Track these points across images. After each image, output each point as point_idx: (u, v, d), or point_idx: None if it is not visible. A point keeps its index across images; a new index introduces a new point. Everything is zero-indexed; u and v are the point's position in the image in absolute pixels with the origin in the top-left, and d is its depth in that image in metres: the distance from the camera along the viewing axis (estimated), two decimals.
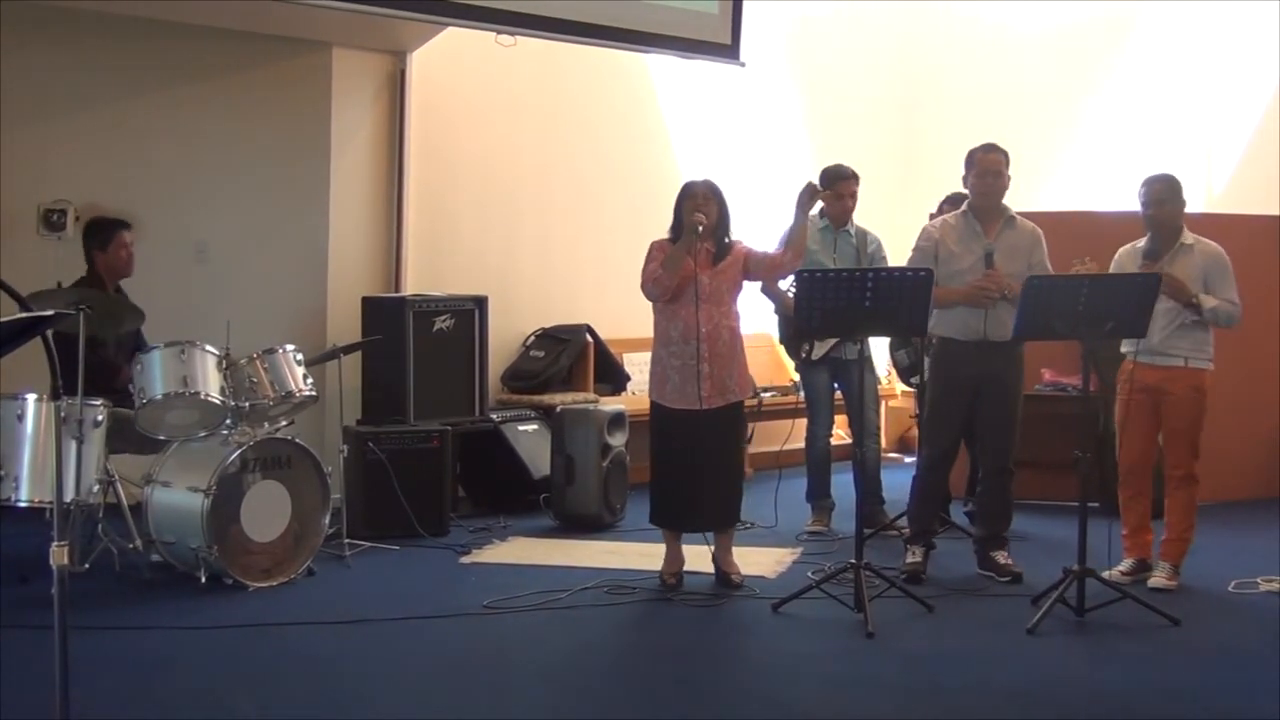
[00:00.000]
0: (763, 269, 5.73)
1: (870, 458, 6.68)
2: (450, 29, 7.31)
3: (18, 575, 5.46)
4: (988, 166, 5.84)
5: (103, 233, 6.27)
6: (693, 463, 5.61)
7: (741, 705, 4.32)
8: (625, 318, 8.31)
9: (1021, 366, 5.95)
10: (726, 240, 5.70)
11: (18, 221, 6.83)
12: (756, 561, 6.10)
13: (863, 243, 6.91)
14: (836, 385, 7.02)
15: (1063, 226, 7.47)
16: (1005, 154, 5.88)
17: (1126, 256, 5.82)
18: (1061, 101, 10.00)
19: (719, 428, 5.63)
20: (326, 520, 5.87)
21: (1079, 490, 5.30)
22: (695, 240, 5.52)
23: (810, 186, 5.71)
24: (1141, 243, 5.80)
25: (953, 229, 5.91)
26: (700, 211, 5.57)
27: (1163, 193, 5.74)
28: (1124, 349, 5.87)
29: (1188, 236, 5.78)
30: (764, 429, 8.53)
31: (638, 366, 8.66)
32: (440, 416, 7.13)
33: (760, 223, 7.64)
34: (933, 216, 6.50)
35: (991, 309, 5.72)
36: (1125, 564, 5.87)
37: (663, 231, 5.76)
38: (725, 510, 5.73)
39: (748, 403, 7.94)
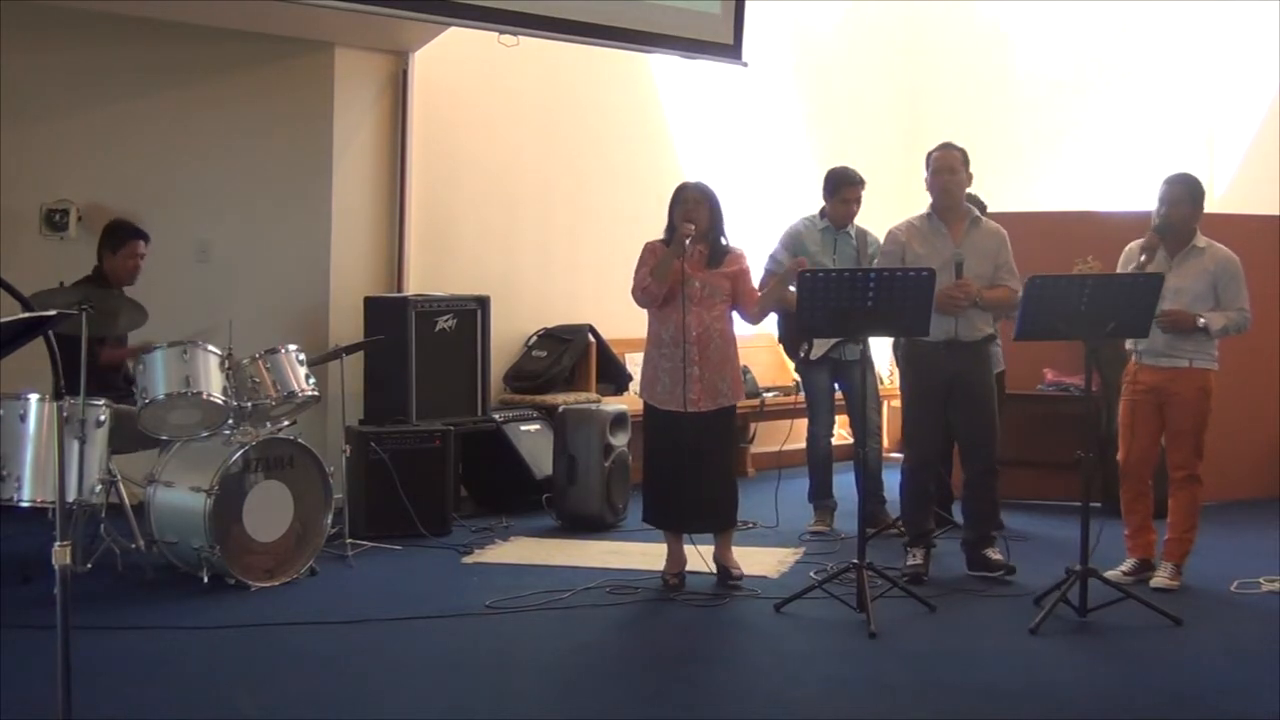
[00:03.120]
0: (738, 298, 5.70)
1: (872, 458, 6.68)
2: (452, 29, 7.31)
3: (20, 575, 5.47)
4: (943, 164, 5.86)
5: (118, 237, 6.26)
6: (683, 464, 5.60)
7: (744, 705, 4.31)
8: (627, 318, 8.25)
9: (990, 365, 5.99)
10: (723, 242, 5.70)
11: (20, 221, 6.83)
12: (759, 561, 6.10)
13: (863, 244, 6.91)
14: (837, 385, 7.02)
15: (1065, 226, 7.50)
16: (962, 151, 5.89)
17: (1135, 253, 5.78)
18: (1065, 102, 10.00)
19: (710, 431, 5.61)
20: (329, 520, 5.87)
21: (1081, 490, 5.30)
22: (683, 249, 5.52)
23: (799, 264, 5.73)
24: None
25: (918, 231, 5.91)
26: (691, 216, 5.56)
27: (1180, 194, 5.72)
28: (1130, 347, 5.88)
29: (1200, 240, 5.76)
30: (765, 429, 8.55)
31: (640, 367, 8.65)
32: (442, 416, 7.14)
33: (762, 223, 7.66)
34: None
35: (962, 313, 5.74)
36: (1127, 564, 5.87)
37: (663, 232, 5.76)
38: (718, 513, 5.72)
39: (749, 404, 7.96)
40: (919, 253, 5.81)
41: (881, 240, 6.97)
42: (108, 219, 6.50)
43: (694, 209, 5.59)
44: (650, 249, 5.68)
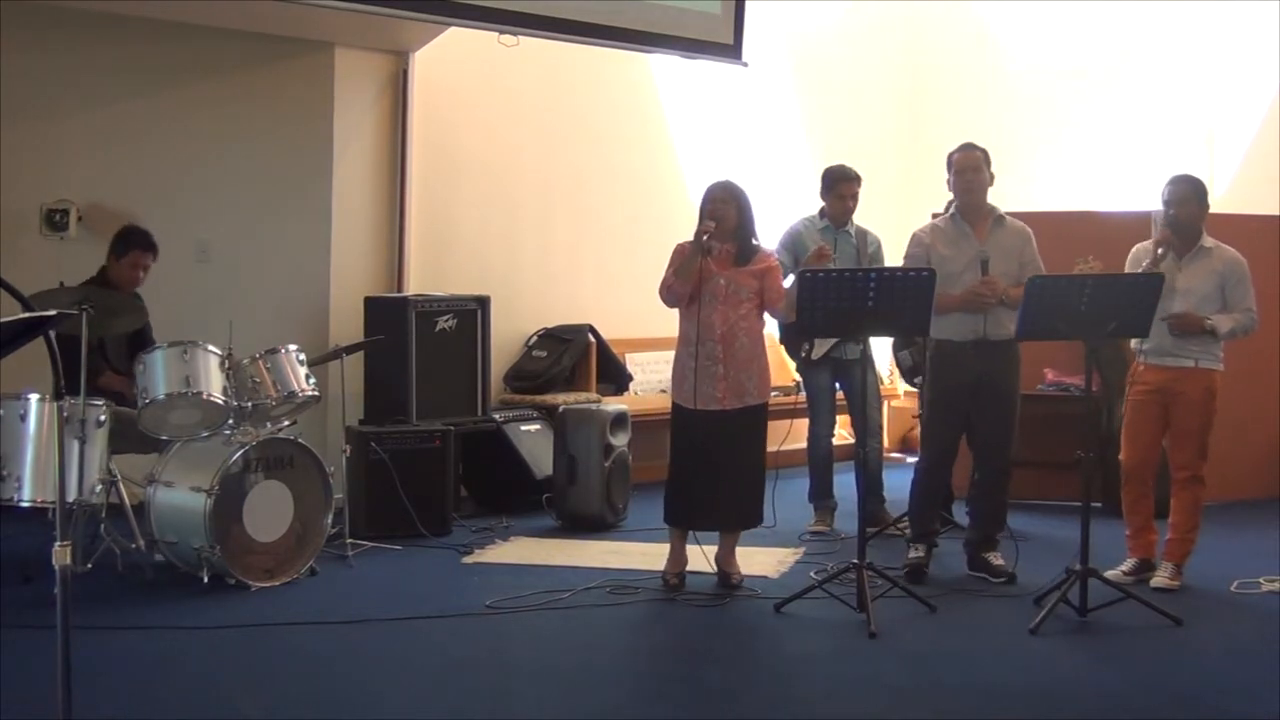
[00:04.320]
0: (766, 296, 5.67)
1: (872, 457, 6.68)
2: (453, 29, 7.31)
3: (20, 575, 5.47)
4: (966, 164, 5.86)
5: (125, 244, 6.25)
6: (704, 463, 5.60)
7: (744, 705, 4.31)
8: (628, 318, 8.31)
9: (1018, 366, 5.94)
10: (755, 243, 5.69)
11: (20, 221, 6.83)
12: (759, 561, 6.09)
13: (863, 242, 6.92)
14: (838, 385, 7.02)
15: (1066, 227, 7.49)
16: (984, 152, 5.89)
17: (1144, 253, 5.79)
18: (1065, 102, 9.99)
19: (736, 430, 5.60)
20: (329, 520, 5.87)
21: (1081, 490, 5.30)
22: (700, 250, 5.51)
23: (820, 250, 5.71)
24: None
25: (942, 232, 5.91)
26: (716, 214, 5.57)
27: (1187, 194, 5.73)
28: (1135, 346, 5.88)
29: (1207, 240, 5.77)
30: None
31: (640, 366, 8.67)
32: (443, 416, 7.13)
33: (762, 223, 7.66)
34: (935, 217, 6.51)
35: (989, 312, 5.74)
36: (1128, 564, 5.87)
37: (663, 232, 5.76)
38: (740, 512, 5.71)
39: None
40: (944, 254, 5.80)
41: (881, 239, 7.02)
42: (108, 219, 6.51)
43: (719, 207, 5.59)
44: (679, 249, 5.67)
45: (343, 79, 7.52)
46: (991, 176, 5.91)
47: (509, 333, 8.06)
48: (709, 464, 5.59)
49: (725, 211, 5.59)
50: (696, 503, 5.66)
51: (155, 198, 7.07)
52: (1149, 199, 5.89)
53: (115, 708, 4.09)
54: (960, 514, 6.77)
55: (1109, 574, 5.49)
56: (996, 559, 5.92)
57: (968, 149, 5.91)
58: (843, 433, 8.63)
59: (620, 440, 7.19)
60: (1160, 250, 5.65)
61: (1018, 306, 5.79)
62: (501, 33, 6.94)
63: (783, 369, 9.01)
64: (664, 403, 5.91)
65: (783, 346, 7.70)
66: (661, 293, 5.66)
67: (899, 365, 7.51)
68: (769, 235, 7.03)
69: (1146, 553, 5.87)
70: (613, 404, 7.51)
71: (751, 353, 5.63)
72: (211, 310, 6.68)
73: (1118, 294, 5.31)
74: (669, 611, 5.45)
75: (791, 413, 7.92)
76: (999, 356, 5.80)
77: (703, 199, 5.68)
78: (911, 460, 8.08)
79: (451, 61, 7.87)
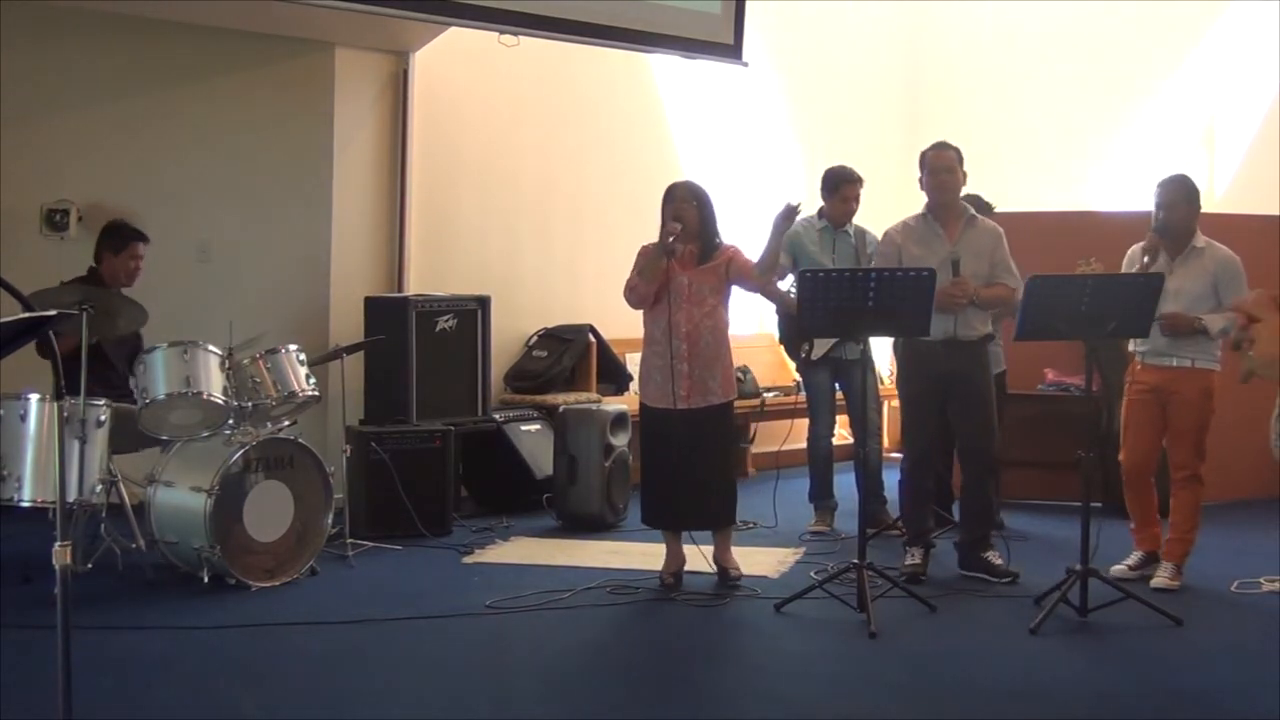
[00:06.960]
0: (738, 275, 5.68)
1: (872, 458, 6.68)
2: (453, 29, 7.32)
3: (20, 575, 5.47)
4: (939, 164, 5.85)
5: (120, 238, 6.24)
6: (674, 462, 5.60)
7: (744, 705, 4.32)
8: (628, 317, 8.22)
9: (989, 365, 5.99)
10: (717, 241, 5.69)
11: (20, 221, 6.83)
12: (759, 561, 6.10)
13: (861, 243, 6.91)
14: (838, 385, 7.02)
15: (1065, 226, 7.50)
16: (957, 151, 5.88)
17: (1139, 255, 5.80)
18: (1065, 101, 10.00)
19: (701, 428, 5.60)
20: (329, 520, 5.87)
21: (1081, 490, 5.30)
22: (665, 251, 5.51)
23: (787, 207, 5.71)
24: None
25: (914, 231, 5.91)
26: (680, 214, 5.58)
27: (1177, 196, 5.74)
28: (1132, 348, 5.88)
29: (1199, 240, 5.78)
30: (765, 429, 8.55)
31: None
32: (443, 416, 7.14)
33: (763, 223, 7.66)
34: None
35: (960, 313, 5.74)
36: (1134, 557, 5.88)
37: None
38: (713, 511, 5.72)
39: (749, 404, 7.94)
40: (915, 253, 5.81)
41: (879, 239, 7.01)
42: (108, 219, 6.49)
43: (681, 207, 5.61)
44: (643, 251, 5.69)
45: (343, 79, 7.52)
46: (964, 176, 5.91)
47: (509, 333, 8.06)
48: (675, 462, 5.60)
49: (688, 212, 5.60)
50: (668, 501, 5.67)
51: (155, 198, 7.07)
52: (1149, 199, 5.89)
53: (115, 708, 4.09)
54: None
55: (1115, 569, 5.51)
56: (996, 559, 5.91)
57: (941, 147, 5.91)
58: (842, 433, 8.63)
59: (620, 440, 7.19)
60: (1146, 258, 5.66)
61: (988, 307, 5.82)
62: (501, 33, 6.95)
63: (782, 369, 9.03)
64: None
65: (782, 347, 7.70)
66: (626, 294, 5.68)
67: (897, 364, 7.50)
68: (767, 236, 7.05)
69: (1153, 545, 5.88)
70: (613, 404, 7.51)
71: (715, 352, 5.64)
72: (211, 310, 6.68)
73: (1118, 294, 5.32)
74: (669, 611, 5.45)
75: (791, 413, 7.94)
76: (968, 356, 5.82)
77: (664, 199, 5.68)
78: None
79: (451, 61, 7.87)
